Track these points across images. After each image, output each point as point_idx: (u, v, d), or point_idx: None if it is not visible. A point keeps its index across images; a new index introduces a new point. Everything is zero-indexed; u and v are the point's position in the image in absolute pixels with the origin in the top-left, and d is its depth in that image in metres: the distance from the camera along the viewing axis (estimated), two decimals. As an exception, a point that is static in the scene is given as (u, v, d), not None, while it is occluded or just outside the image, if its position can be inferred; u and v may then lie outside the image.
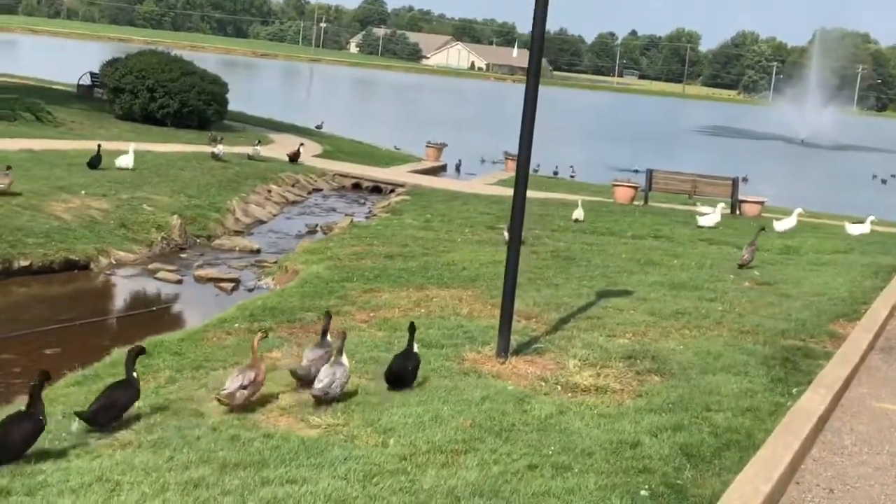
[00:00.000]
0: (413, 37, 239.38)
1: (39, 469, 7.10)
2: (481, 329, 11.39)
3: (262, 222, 23.71)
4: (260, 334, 9.21)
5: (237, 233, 21.84)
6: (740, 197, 29.47)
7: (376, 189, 31.07)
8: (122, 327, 14.37)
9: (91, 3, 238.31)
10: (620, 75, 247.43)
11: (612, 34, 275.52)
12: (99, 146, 24.08)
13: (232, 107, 39.58)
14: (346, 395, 8.82)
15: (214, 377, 9.60)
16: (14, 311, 14.53)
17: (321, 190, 30.13)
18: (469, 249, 17.79)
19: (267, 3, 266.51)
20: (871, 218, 24.83)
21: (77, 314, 14.55)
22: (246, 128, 40.25)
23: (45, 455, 7.45)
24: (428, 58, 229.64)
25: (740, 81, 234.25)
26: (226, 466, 7.07)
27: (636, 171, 41.00)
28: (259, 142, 32.05)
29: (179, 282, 17.10)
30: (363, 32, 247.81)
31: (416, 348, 9.39)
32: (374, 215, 24.76)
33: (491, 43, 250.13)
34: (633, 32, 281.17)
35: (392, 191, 29.96)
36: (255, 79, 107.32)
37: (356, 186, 31.53)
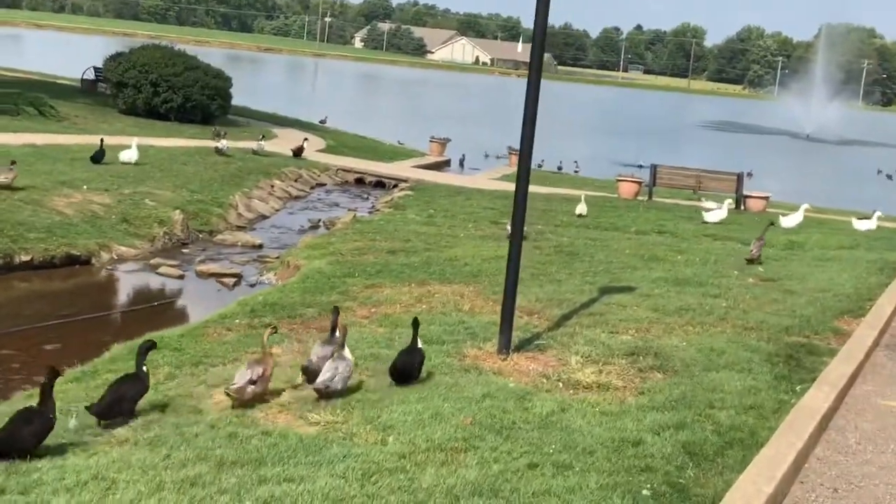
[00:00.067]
0: (418, 31, 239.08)
1: (35, 467, 7.03)
2: (483, 325, 11.31)
3: (264, 217, 23.64)
4: (269, 329, 9.20)
5: (240, 228, 21.77)
6: (745, 192, 29.36)
7: (379, 184, 30.99)
8: (123, 323, 14.33)
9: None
10: (625, 70, 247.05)
11: (616, 29, 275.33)
12: (102, 141, 24.03)
13: (236, 101, 39.49)
14: (349, 390, 8.78)
15: (214, 373, 9.55)
16: (14, 307, 14.48)
17: (324, 185, 30.05)
18: (472, 245, 17.72)
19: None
20: (878, 213, 24.71)
21: (78, 309, 14.50)
22: (250, 122, 40.17)
23: (41, 452, 7.38)
24: (433, 52, 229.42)
25: (745, 76, 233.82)
26: (223, 464, 7.00)
27: (640, 167, 40.91)
28: (263, 137, 31.99)
29: (181, 277, 17.04)
30: (368, 27, 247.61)
31: (419, 344, 9.34)
32: (377, 210, 24.69)
33: (496, 38, 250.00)
34: (638, 27, 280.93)
35: (395, 186, 29.89)
36: (260, 73, 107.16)
37: (359, 181, 31.45)
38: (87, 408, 8.04)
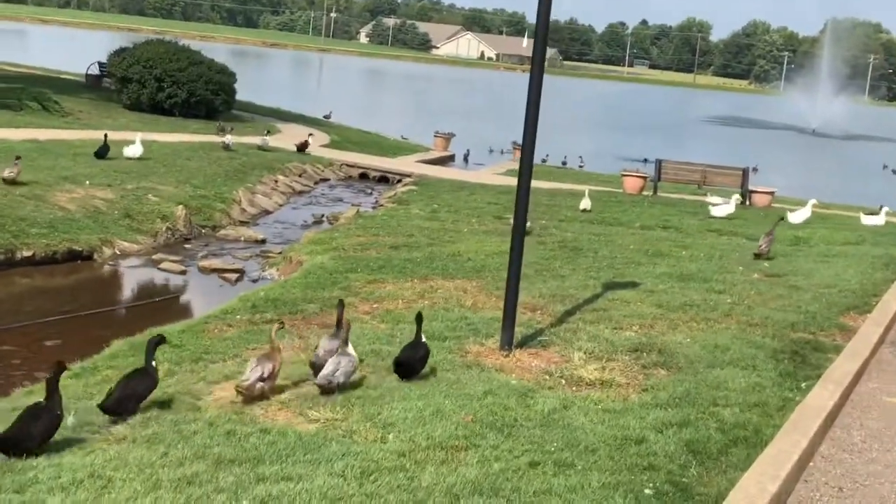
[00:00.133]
0: (423, 27, 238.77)
1: (31, 465, 6.96)
2: (485, 321, 11.23)
3: (268, 212, 23.58)
4: (277, 325, 9.17)
5: (243, 223, 21.71)
6: (750, 187, 29.22)
7: (383, 179, 30.92)
8: (125, 318, 14.25)
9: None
10: (631, 65, 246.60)
11: (622, 24, 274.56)
12: (106, 136, 23.96)
13: (240, 97, 39.45)
14: (352, 385, 8.74)
15: (213, 370, 9.47)
16: (16, 302, 14.44)
17: (328, 180, 29.98)
18: (475, 240, 17.64)
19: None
20: (886, 209, 24.57)
21: (79, 305, 14.45)
22: (254, 118, 40.10)
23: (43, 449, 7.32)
24: (438, 48, 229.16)
25: (751, 71, 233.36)
26: (220, 463, 6.93)
27: (645, 161, 40.77)
28: (268, 132, 31.92)
29: (183, 272, 16.98)
30: (373, 22, 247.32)
31: (423, 338, 9.28)
32: (381, 205, 24.61)
33: (501, 33, 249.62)
34: (644, 22, 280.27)
35: (399, 181, 29.79)
36: (265, 68, 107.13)
37: (363, 176, 31.38)
38: (98, 405, 8.01)
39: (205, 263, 17.46)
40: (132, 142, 24.20)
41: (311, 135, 32.90)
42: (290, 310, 12.06)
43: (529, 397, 8.61)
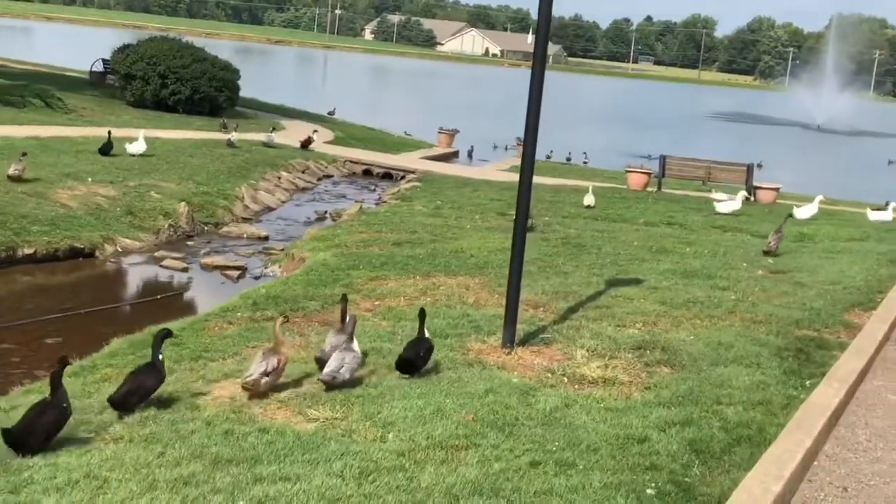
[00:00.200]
0: (427, 23, 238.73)
1: (26, 465, 6.88)
2: (488, 318, 11.14)
3: (270, 209, 23.51)
4: (281, 318, 9.10)
5: (245, 220, 21.64)
6: (755, 183, 29.11)
7: (387, 175, 30.86)
8: (125, 316, 14.20)
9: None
10: (635, 61, 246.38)
11: (627, 20, 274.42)
12: (110, 133, 23.94)
13: (244, 93, 39.40)
14: (357, 381, 8.71)
15: (213, 368, 9.40)
16: (16, 300, 14.37)
17: (332, 176, 29.92)
18: (478, 236, 17.55)
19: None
20: (893, 204, 24.44)
21: (80, 303, 14.38)
22: (258, 114, 40.06)
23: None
24: (442, 44, 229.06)
25: (756, 67, 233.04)
26: (218, 462, 6.85)
27: (649, 157, 40.67)
28: (273, 129, 31.87)
29: (185, 269, 16.91)
30: (378, 19, 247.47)
31: (426, 334, 9.22)
32: (384, 202, 24.53)
33: (505, 29, 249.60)
34: (649, 18, 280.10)
35: (403, 177, 29.74)
36: (269, 65, 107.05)
37: (367, 173, 31.33)
38: (108, 399, 7.98)
39: (207, 260, 17.39)
40: (135, 138, 24.15)
41: (315, 131, 32.84)
42: (291, 307, 11.97)
43: (531, 395, 8.53)
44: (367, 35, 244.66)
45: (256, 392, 8.38)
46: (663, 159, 30.06)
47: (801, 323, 11.63)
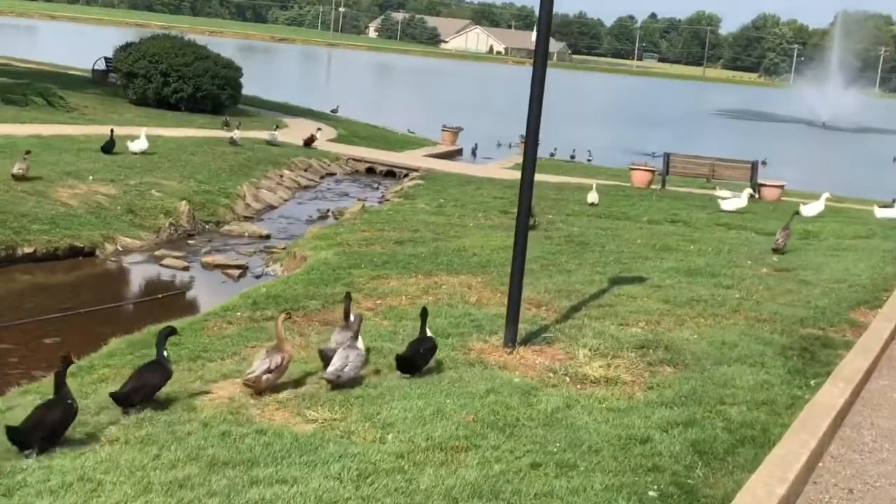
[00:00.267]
0: (432, 21, 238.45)
1: (20, 467, 6.79)
2: (489, 317, 11.06)
3: (272, 207, 23.41)
4: (283, 315, 9.02)
5: (247, 218, 21.54)
6: (759, 181, 28.98)
7: (390, 173, 30.74)
8: (125, 316, 14.11)
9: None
10: (640, 59, 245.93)
11: (631, 17, 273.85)
12: (112, 131, 23.88)
13: (247, 91, 39.30)
14: (360, 380, 8.67)
15: (211, 368, 9.31)
16: (15, 300, 14.28)
17: (334, 174, 29.81)
18: (481, 235, 17.45)
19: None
20: (899, 201, 24.31)
21: (80, 302, 14.29)
22: (261, 112, 39.97)
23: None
24: (446, 42, 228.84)
25: (761, 64, 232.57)
26: (214, 465, 6.76)
27: (653, 155, 40.54)
28: (277, 127, 31.77)
29: (186, 268, 16.82)
30: (382, 17, 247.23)
31: (429, 332, 9.14)
32: (387, 200, 24.43)
33: (510, 27, 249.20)
34: (653, 15, 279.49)
35: (406, 175, 29.64)
36: (273, 63, 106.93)
37: (370, 171, 31.22)
38: (110, 394, 7.94)
39: (208, 259, 17.31)
40: (138, 136, 24.08)
41: (319, 129, 32.75)
42: (291, 306, 11.86)
43: (532, 396, 8.44)
44: (371, 33, 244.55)
45: (258, 389, 8.31)
46: (667, 157, 29.94)
47: (806, 321, 11.53)
